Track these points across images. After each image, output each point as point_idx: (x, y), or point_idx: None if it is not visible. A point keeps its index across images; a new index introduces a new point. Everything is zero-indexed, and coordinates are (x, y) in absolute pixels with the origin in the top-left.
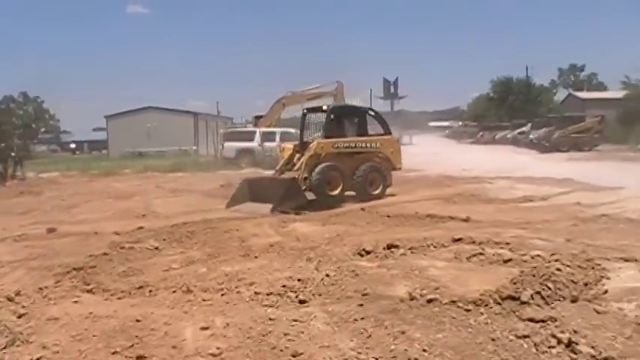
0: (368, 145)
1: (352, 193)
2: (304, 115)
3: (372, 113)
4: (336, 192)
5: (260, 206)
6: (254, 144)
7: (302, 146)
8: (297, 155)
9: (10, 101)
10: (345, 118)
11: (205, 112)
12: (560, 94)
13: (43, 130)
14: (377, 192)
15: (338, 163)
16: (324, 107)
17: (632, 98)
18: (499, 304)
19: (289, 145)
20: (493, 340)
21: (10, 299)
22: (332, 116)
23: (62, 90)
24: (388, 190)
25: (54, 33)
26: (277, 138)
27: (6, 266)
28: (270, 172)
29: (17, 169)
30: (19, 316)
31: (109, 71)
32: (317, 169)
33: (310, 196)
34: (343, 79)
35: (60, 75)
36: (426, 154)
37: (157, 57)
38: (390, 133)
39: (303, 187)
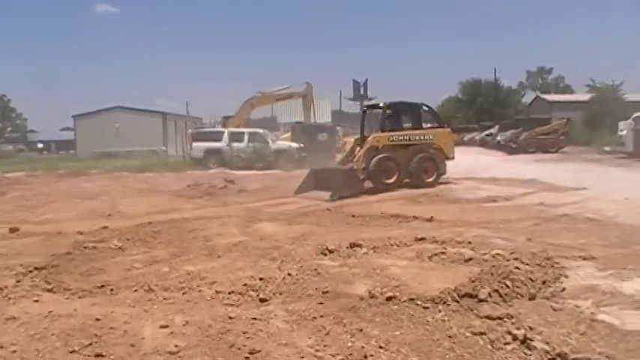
0: (421, 137)
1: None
2: (364, 111)
3: (426, 108)
4: (392, 180)
5: (323, 193)
6: (222, 144)
7: (362, 140)
8: (358, 148)
9: None
10: (400, 113)
11: (174, 112)
12: (528, 97)
13: (9, 129)
14: (431, 179)
15: (393, 154)
16: (381, 104)
17: (598, 101)
18: (457, 301)
19: (351, 139)
20: (450, 337)
21: None
22: (388, 112)
23: (30, 89)
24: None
25: (21, 31)
26: (245, 138)
27: None
28: (238, 172)
29: None
30: None
31: (77, 70)
32: (374, 161)
33: (368, 184)
34: (313, 80)
35: (27, 74)
36: None
37: (126, 56)
38: (443, 126)
39: (362, 177)
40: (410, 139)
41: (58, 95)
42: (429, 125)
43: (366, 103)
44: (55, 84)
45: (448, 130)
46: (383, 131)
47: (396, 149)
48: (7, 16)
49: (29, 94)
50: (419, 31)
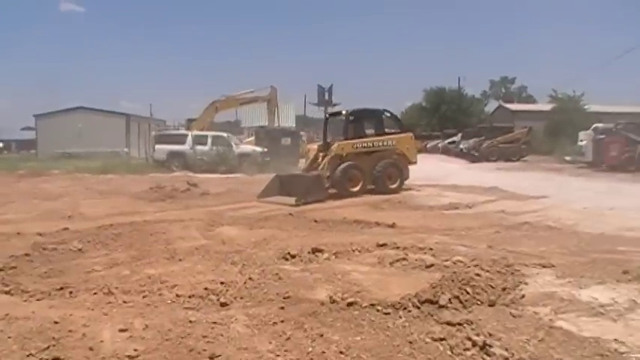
0: (385, 143)
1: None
2: (327, 118)
3: (388, 114)
4: (357, 188)
5: (287, 198)
6: (185, 147)
7: (325, 147)
8: (321, 155)
9: None
10: (363, 120)
11: (138, 114)
12: (491, 106)
13: None
14: (395, 186)
15: (358, 162)
16: (344, 112)
17: (559, 111)
18: (418, 307)
19: (314, 146)
20: (410, 342)
21: None
22: (351, 119)
23: None
24: None
25: None
26: (209, 141)
27: None
28: (201, 175)
29: None
30: None
31: (39, 69)
32: (339, 169)
33: (332, 190)
34: (277, 84)
35: None
36: None
37: (90, 57)
38: (405, 131)
39: (327, 185)
40: (373, 145)
41: (19, 94)
42: (392, 131)
43: (330, 109)
44: (17, 82)
45: (410, 135)
46: (347, 139)
47: (360, 156)
48: None
49: None
50: (384, 37)
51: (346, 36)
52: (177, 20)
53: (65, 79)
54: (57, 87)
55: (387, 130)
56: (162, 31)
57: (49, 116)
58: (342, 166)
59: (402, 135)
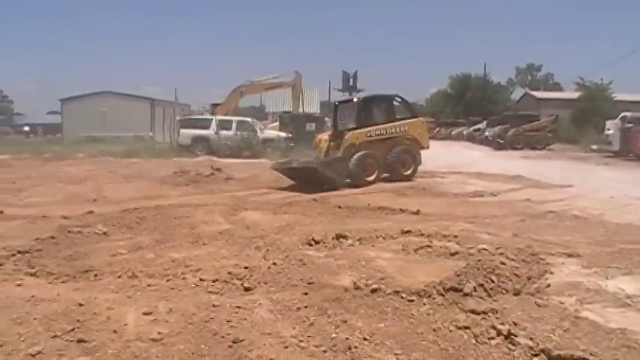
0: (397, 129)
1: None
2: (336, 106)
3: (399, 99)
4: (372, 177)
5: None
6: (210, 132)
7: (335, 136)
8: (332, 144)
9: None
10: (374, 107)
11: (163, 98)
12: (517, 93)
13: None
14: (409, 172)
15: (372, 150)
16: (355, 99)
17: (586, 99)
18: (442, 295)
19: (325, 136)
20: (434, 330)
21: None
22: (362, 106)
23: (16, 72)
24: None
25: (9, 16)
26: (234, 126)
27: None
28: (225, 160)
29: None
30: None
31: (65, 54)
32: (354, 159)
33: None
34: (302, 70)
35: (14, 57)
36: None
37: (115, 41)
38: (416, 116)
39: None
40: (386, 132)
41: (45, 79)
42: (402, 117)
43: (355, 94)
44: (43, 67)
45: (422, 119)
46: (358, 127)
47: (374, 144)
48: None
49: (16, 76)
50: (410, 23)
51: (371, 22)
52: (201, 5)
53: (89, 64)
54: (82, 71)
55: (398, 116)
56: (187, 16)
57: (75, 100)
58: (357, 155)
59: (414, 120)
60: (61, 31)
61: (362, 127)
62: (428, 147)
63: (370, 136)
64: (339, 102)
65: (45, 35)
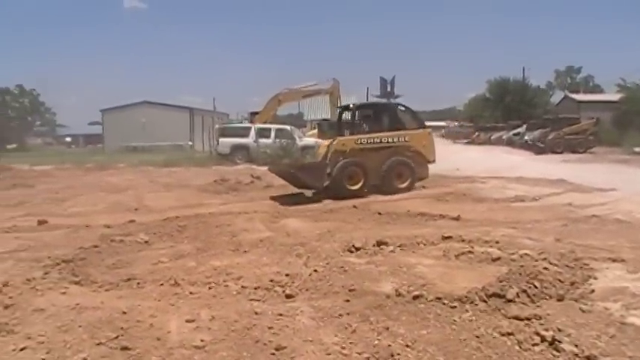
0: (395, 139)
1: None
2: (340, 113)
3: (403, 108)
4: (357, 187)
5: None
6: (249, 140)
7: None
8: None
9: (5, 94)
10: (372, 115)
11: (201, 107)
12: (556, 96)
13: (38, 123)
14: (404, 185)
15: (362, 158)
16: (351, 105)
17: (628, 101)
18: (485, 301)
19: (325, 143)
20: (477, 337)
21: None
22: (358, 113)
23: (59, 84)
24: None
25: (51, 27)
26: (272, 134)
27: None
28: (265, 168)
29: None
30: (6, 307)
31: (105, 66)
32: (337, 166)
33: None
34: (340, 77)
35: (57, 69)
36: None
37: (153, 52)
38: (423, 127)
39: (326, 182)
40: (381, 141)
41: (87, 90)
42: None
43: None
44: (84, 79)
45: (428, 131)
46: (352, 134)
47: (365, 153)
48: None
49: (59, 89)
50: (447, 28)
51: (408, 27)
52: (237, 15)
53: (129, 74)
54: (121, 82)
55: (405, 126)
56: (224, 25)
57: (115, 111)
58: (340, 163)
59: (418, 131)
60: (100, 43)
61: (354, 134)
62: (434, 161)
63: (360, 143)
64: (341, 108)
65: (86, 47)
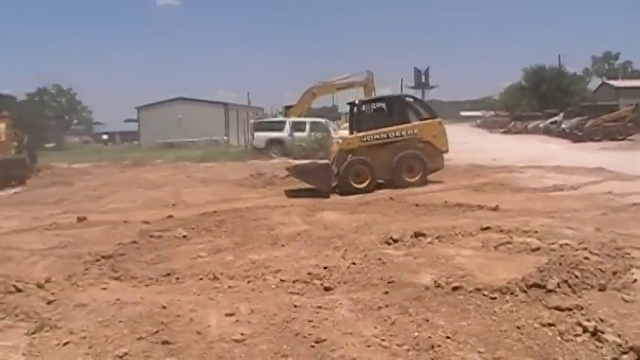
0: (403, 133)
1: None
2: (351, 108)
3: (411, 100)
4: (364, 185)
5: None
6: (284, 134)
7: None
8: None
9: (43, 93)
10: (378, 109)
11: (236, 102)
12: (594, 83)
13: (75, 121)
14: (415, 179)
15: (369, 155)
16: (356, 101)
17: None
18: (525, 292)
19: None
20: (518, 328)
21: (39, 286)
22: (359, 110)
23: (95, 82)
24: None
25: (87, 26)
26: (307, 128)
27: (36, 254)
28: (299, 161)
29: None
30: (48, 303)
31: (140, 63)
32: (343, 166)
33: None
34: (374, 69)
35: (93, 67)
36: (457, 143)
37: (187, 49)
38: (434, 117)
39: (335, 183)
40: (388, 136)
41: (122, 88)
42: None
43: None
44: (119, 77)
45: (438, 121)
46: (359, 131)
47: (373, 149)
48: (73, 13)
49: (95, 87)
50: (482, 17)
51: (442, 17)
52: (270, 10)
53: (164, 71)
54: (156, 79)
55: (414, 117)
56: (256, 20)
57: (150, 107)
58: (346, 162)
59: (427, 122)
60: (135, 41)
61: (360, 130)
62: (447, 151)
63: (367, 140)
64: (349, 104)
65: (120, 46)
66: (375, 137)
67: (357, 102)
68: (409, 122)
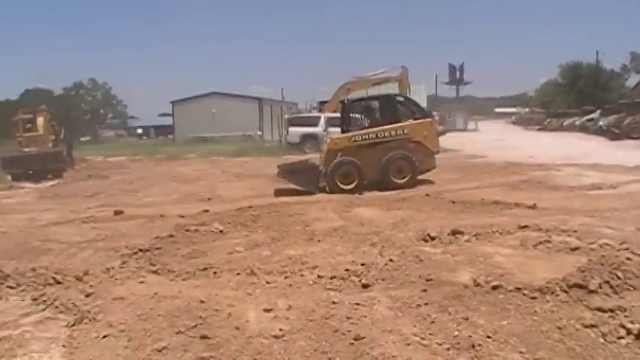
0: (392, 133)
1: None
2: (342, 107)
3: (401, 99)
4: (351, 186)
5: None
6: (318, 129)
7: None
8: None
9: (79, 87)
10: (368, 109)
11: (270, 97)
12: (632, 80)
13: (110, 115)
14: (403, 180)
15: (356, 156)
16: (345, 101)
17: None
18: (566, 292)
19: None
20: (559, 328)
21: (78, 279)
22: (349, 109)
23: (130, 76)
24: (455, 177)
25: (122, 21)
26: None
27: (74, 247)
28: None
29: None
30: (87, 295)
31: (174, 58)
32: (330, 167)
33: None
34: (409, 65)
35: (128, 62)
36: (492, 140)
37: (222, 44)
38: (426, 117)
39: (322, 183)
40: (377, 136)
41: (157, 82)
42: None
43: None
44: (154, 71)
45: (429, 120)
46: (347, 131)
47: (362, 150)
48: (108, 8)
49: (130, 81)
50: (518, 13)
51: (477, 13)
52: (304, 5)
53: (197, 66)
54: (190, 74)
55: (405, 117)
56: (291, 15)
57: (185, 102)
58: (333, 163)
59: (418, 122)
60: (169, 36)
61: (349, 130)
62: (438, 151)
63: (355, 141)
64: (340, 102)
65: (155, 40)
66: (363, 137)
67: (346, 101)
68: (400, 122)
